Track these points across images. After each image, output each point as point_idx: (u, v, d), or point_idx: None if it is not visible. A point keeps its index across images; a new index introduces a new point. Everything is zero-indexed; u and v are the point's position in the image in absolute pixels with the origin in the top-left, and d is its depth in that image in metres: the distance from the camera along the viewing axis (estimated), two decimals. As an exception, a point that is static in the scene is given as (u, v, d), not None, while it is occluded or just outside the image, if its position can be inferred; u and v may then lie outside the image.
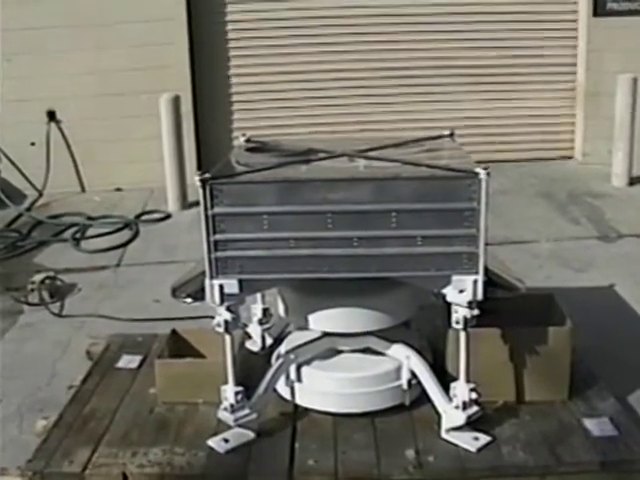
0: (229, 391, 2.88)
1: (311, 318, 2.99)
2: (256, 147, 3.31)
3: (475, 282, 2.70)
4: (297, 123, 6.99)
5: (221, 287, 2.75)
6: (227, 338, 2.86)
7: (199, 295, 2.93)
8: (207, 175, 2.69)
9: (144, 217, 6.34)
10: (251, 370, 3.13)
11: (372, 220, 2.69)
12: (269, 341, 3.47)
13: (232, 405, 2.87)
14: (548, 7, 7.11)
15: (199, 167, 6.82)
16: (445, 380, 2.99)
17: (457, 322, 2.78)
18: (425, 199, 2.67)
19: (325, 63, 7.05)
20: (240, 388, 2.89)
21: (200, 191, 2.68)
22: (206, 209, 2.69)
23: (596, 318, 4.06)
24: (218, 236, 2.72)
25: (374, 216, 2.69)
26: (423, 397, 3.03)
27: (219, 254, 2.73)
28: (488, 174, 2.61)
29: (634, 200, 6.35)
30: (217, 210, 2.70)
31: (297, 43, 6.99)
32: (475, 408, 2.86)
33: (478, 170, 2.63)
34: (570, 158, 7.47)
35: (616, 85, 6.56)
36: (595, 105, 7.09)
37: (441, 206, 2.67)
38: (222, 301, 2.77)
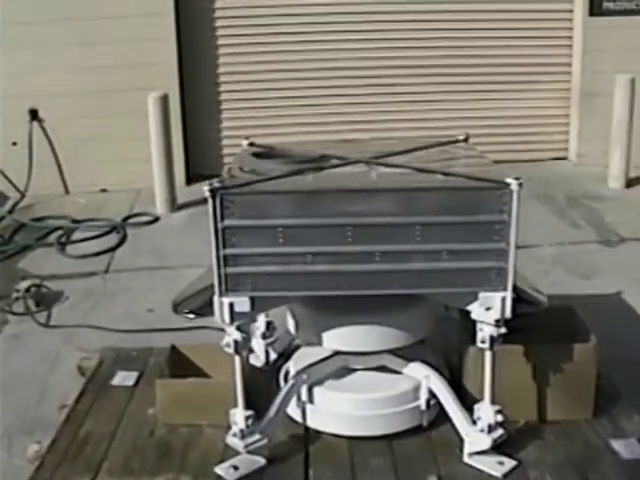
0: (239, 415, 2.70)
1: (324, 336, 2.82)
2: (262, 152, 3.12)
3: (504, 299, 2.55)
4: (288, 123, 6.80)
5: (231, 305, 2.56)
6: (237, 359, 2.69)
7: (203, 310, 2.75)
8: (217, 185, 2.49)
9: (132, 220, 6.12)
10: (255, 387, 2.93)
11: (395, 234, 2.52)
12: (273, 356, 3.26)
13: (242, 430, 2.69)
14: (544, 6, 6.99)
15: (187, 168, 6.63)
16: (461, 399, 2.83)
17: (483, 341, 2.62)
18: (452, 211, 2.51)
19: (320, 61, 6.85)
20: (251, 412, 2.71)
21: (209, 202, 2.48)
22: (216, 221, 2.50)
23: (607, 327, 3.91)
24: (229, 250, 2.53)
25: (397, 229, 2.52)
26: (440, 417, 2.87)
27: (230, 270, 2.54)
28: (520, 184, 2.45)
29: (633, 202, 6.26)
30: (228, 222, 2.51)
31: (289, 41, 6.79)
32: (500, 431, 2.70)
33: (509, 180, 2.47)
34: (564, 159, 7.36)
35: (612, 85, 6.46)
36: (590, 105, 6.98)
37: (469, 219, 2.51)
38: (232, 320, 2.59)
